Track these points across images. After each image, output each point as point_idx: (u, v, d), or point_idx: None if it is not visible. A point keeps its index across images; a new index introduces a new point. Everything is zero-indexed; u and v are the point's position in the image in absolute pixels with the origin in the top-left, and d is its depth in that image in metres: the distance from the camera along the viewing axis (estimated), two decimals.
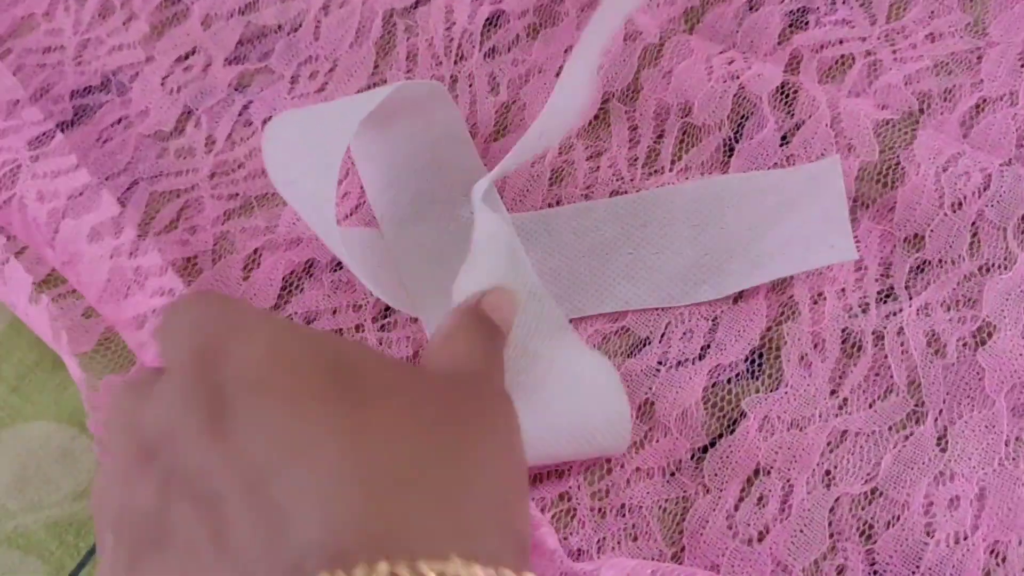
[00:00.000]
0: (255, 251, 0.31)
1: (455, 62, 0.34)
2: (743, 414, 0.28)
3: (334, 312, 0.30)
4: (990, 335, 0.28)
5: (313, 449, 0.17)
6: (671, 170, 0.32)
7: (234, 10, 0.35)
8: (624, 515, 0.27)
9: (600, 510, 0.27)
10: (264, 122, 0.33)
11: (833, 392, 0.28)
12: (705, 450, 0.27)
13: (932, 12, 0.33)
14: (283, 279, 0.31)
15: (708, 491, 0.27)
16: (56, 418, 0.29)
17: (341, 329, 0.30)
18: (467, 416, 0.20)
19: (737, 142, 0.32)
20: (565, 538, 0.27)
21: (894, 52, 0.33)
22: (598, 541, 0.27)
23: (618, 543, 0.27)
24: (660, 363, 0.29)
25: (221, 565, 0.16)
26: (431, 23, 0.35)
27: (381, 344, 0.30)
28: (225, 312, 0.19)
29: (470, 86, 0.34)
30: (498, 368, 0.24)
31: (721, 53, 0.33)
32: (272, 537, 0.16)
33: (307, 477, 0.16)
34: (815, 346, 0.28)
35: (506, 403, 0.22)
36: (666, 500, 0.27)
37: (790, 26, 0.34)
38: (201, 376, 0.18)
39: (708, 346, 0.29)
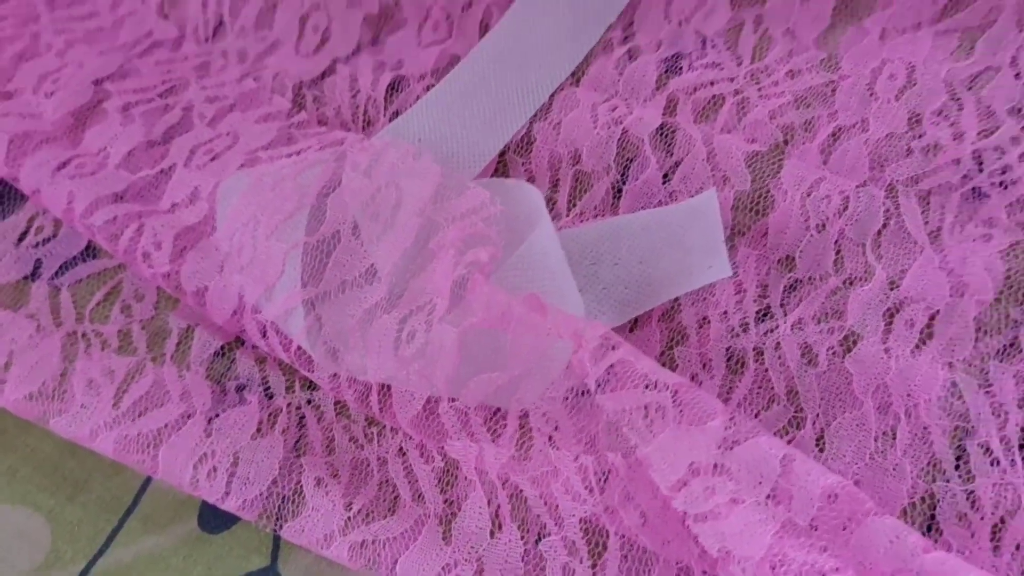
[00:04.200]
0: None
1: (363, 128, 0.37)
2: None
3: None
4: (855, 343, 0.31)
5: None
6: (567, 215, 0.34)
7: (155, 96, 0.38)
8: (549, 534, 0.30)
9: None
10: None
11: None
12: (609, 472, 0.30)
13: (791, 51, 0.36)
14: None
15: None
16: (9, 500, 0.31)
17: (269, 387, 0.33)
18: None
19: (624, 184, 0.35)
20: None
21: (759, 90, 0.36)
22: None
23: None
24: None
25: None
26: (337, 92, 0.37)
27: (311, 403, 0.32)
28: None
29: None
30: None
31: (605, 102, 0.36)
32: None
33: None
34: (703, 366, 0.31)
35: None
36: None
37: (666, 72, 0.37)
38: None
39: None
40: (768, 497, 0.24)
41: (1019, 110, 0.33)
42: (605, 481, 0.27)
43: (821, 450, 0.30)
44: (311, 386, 0.32)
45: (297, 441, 0.31)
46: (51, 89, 0.37)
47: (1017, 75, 0.34)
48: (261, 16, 0.40)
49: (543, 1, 0.38)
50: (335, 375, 0.31)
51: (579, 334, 0.26)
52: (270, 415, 0.32)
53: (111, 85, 0.38)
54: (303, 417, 0.32)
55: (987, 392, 0.29)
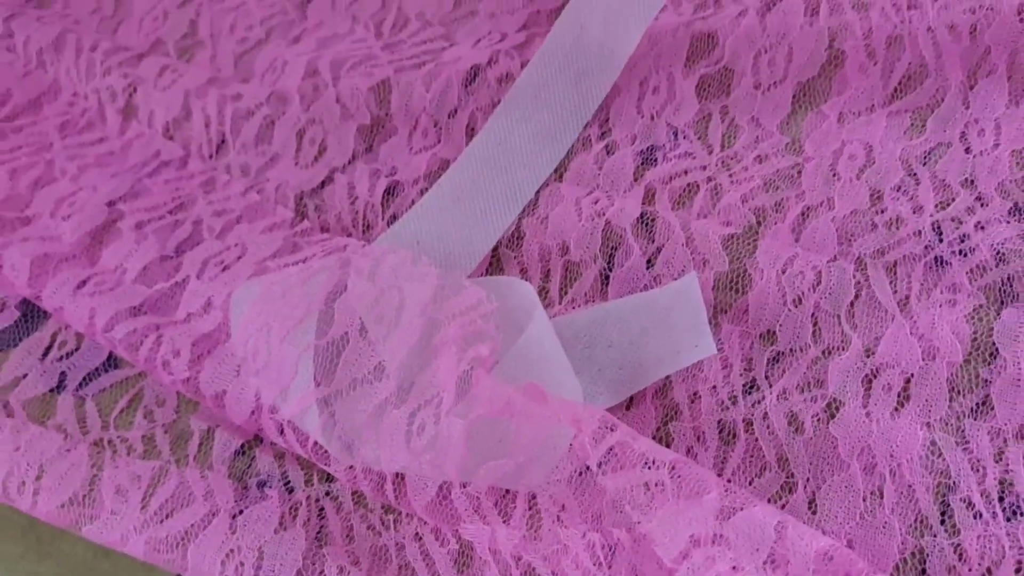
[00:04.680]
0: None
1: (363, 232, 0.39)
2: None
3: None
4: (838, 409, 0.33)
5: None
6: (560, 303, 0.37)
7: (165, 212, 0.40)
8: None
9: None
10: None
11: (718, 476, 0.33)
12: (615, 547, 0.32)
13: (757, 137, 0.39)
14: None
15: None
16: None
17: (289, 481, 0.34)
18: None
19: (611, 271, 0.37)
20: None
21: (730, 175, 0.39)
22: None
23: None
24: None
25: None
26: (336, 200, 0.40)
27: (328, 494, 0.34)
28: None
29: None
30: None
31: (588, 195, 0.38)
32: None
33: None
34: (698, 439, 0.33)
35: None
36: None
37: (642, 164, 0.39)
38: None
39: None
40: (766, 563, 0.26)
41: (971, 182, 0.36)
42: (612, 556, 0.29)
43: (813, 512, 0.31)
44: (329, 478, 0.34)
45: (318, 532, 0.33)
46: (67, 212, 0.40)
47: (967, 149, 0.37)
48: (261, 132, 0.43)
49: (524, 105, 0.41)
50: (351, 467, 0.32)
51: (578, 419, 0.28)
52: (291, 508, 0.33)
53: (124, 205, 0.40)
54: (323, 509, 0.34)
55: (965, 449, 0.31)
